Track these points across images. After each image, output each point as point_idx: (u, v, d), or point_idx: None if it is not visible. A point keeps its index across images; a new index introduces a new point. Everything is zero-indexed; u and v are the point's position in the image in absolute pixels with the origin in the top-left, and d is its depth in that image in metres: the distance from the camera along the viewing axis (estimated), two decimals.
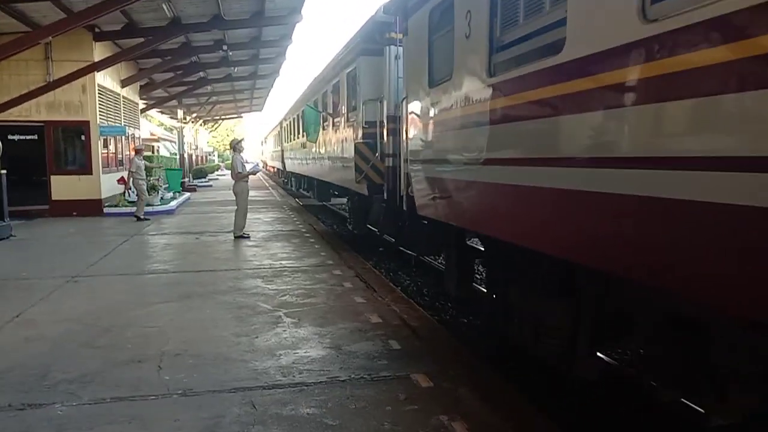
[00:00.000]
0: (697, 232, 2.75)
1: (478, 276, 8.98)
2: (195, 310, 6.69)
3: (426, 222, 7.40)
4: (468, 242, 7.32)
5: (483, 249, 6.67)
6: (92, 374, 4.68)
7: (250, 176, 13.44)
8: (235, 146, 13.13)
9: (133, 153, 22.60)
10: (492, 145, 4.92)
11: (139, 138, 24.33)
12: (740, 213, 2.47)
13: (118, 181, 18.70)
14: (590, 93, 3.49)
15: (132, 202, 18.54)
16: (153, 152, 37.88)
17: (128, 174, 17.15)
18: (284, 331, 5.80)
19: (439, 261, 10.72)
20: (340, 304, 6.85)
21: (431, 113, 6.46)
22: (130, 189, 16.41)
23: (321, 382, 4.49)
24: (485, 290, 6.72)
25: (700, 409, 4.10)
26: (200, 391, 4.34)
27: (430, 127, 6.52)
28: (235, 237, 12.35)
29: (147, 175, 17.20)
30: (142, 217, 16.04)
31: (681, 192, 2.77)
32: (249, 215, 16.73)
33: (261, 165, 38.46)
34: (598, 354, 5.28)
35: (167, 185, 22.54)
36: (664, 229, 2.95)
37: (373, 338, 5.54)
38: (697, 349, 3.35)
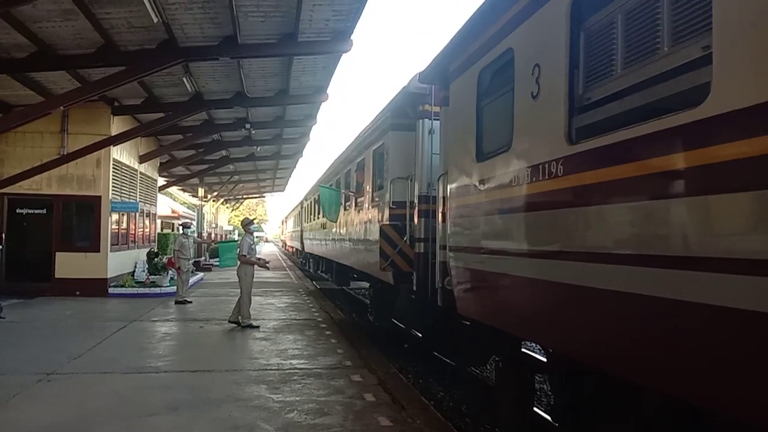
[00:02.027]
0: None
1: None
2: (179, 430, 5.36)
3: (469, 323, 6.11)
4: (524, 350, 5.93)
5: (548, 361, 5.21)
6: None
7: (265, 264, 12.26)
8: (246, 226, 12.13)
9: (149, 231, 21.91)
10: (568, 233, 3.70)
11: (155, 215, 23.56)
12: None
13: (167, 263, 17.76)
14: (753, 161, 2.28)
15: (140, 283, 17.55)
16: (172, 230, 37.34)
17: (173, 254, 16.22)
18: None
19: (480, 369, 9.26)
20: (359, 428, 5.46)
21: (480, 192, 5.30)
22: (178, 268, 15.39)
23: None
24: (554, 421, 5.17)
25: None
26: None
27: (479, 208, 5.35)
28: (242, 326, 11.07)
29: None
30: (185, 299, 14.95)
31: None
32: (262, 300, 15.70)
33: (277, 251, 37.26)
34: None
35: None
36: None
37: None
38: None
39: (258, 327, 11.08)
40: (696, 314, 2.57)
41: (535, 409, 6.59)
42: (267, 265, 12.51)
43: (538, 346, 6.50)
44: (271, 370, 7.76)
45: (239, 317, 11.29)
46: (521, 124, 4.43)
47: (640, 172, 3.00)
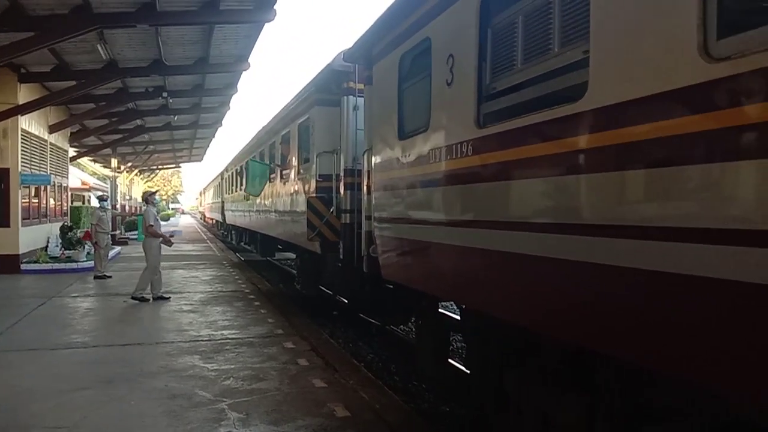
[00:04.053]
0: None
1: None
2: (116, 402, 5.43)
3: (392, 286, 6.50)
4: (441, 310, 6.45)
5: (462, 319, 5.79)
6: None
7: (169, 240, 12.02)
8: (148, 198, 12.05)
9: (61, 204, 21.01)
10: (477, 205, 4.16)
11: (66, 187, 22.58)
12: None
13: (83, 237, 17.07)
14: (615, 148, 2.77)
15: (54, 258, 16.92)
16: (83, 202, 35.79)
17: (91, 228, 15.61)
18: None
19: (403, 329, 9.73)
20: (296, 390, 5.73)
21: (401, 167, 5.70)
22: (96, 242, 14.83)
23: None
24: (467, 370, 5.76)
25: None
26: None
27: (401, 182, 5.73)
28: (132, 298, 11.01)
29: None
30: (104, 274, 14.50)
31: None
32: (185, 273, 15.55)
33: (181, 231, 36.47)
34: None
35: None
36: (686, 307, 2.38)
37: None
38: None
39: (149, 300, 11.01)
40: (572, 269, 3.07)
41: (451, 360, 7.12)
42: (171, 239, 12.28)
43: (453, 307, 7.00)
44: (202, 341, 7.85)
45: (150, 291, 11.20)
46: (437, 107, 4.81)
47: (533, 153, 3.47)
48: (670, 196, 2.49)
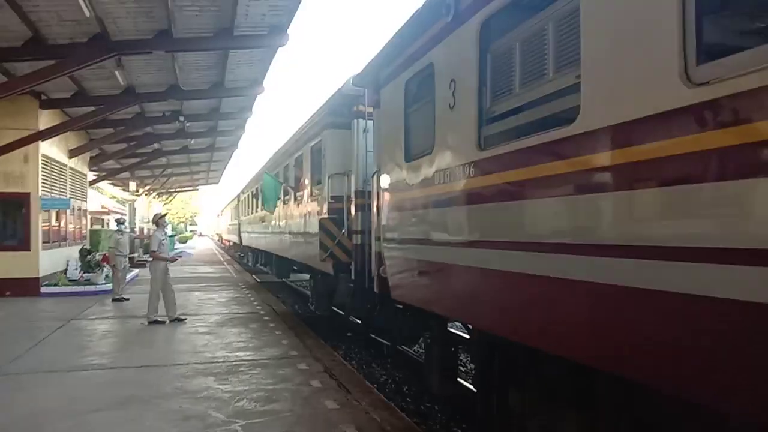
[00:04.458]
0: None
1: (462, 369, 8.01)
2: (131, 423, 5.50)
3: (401, 306, 6.56)
4: (450, 330, 6.50)
5: (470, 338, 5.84)
6: None
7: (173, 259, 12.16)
8: (158, 221, 12.13)
9: (81, 228, 21.33)
10: (480, 225, 4.25)
11: (86, 211, 22.93)
12: None
13: (101, 260, 17.34)
14: (610, 170, 2.85)
15: (74, 281, 17.15)
16: (102, 226, 36.24)
17: (109, 251, 15.84)
18: None
19: (416, 349, 9.71)
20: (309, 412, 5.76)
21: (408, 189, 5.82)
22: (114, 266, 15.06)
23: None
24: (474, 388, 5.83)
25: None
26: None
27: (408, 204, 5.86)
28: (149, 323, 11.08)
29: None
30: (122, 296, 14.65)
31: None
32: (201, 295, 15.68)
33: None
34: None
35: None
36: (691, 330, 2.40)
37: None
38: None
39: (164, 322, 11.10)
40: (567, 288, 3.14)
41: (459, 379, 7.14)
42: (175, 258, 12.36)
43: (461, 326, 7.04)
44: (217, 362, 7.92)
45: (166, 314, 11.29)
46: (441, 130, 4.91)
47: (531, 175, 3.54)
48: (662, 215, 2.55)
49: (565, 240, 3.18)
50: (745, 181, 2.13)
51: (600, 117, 2.88)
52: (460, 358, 7.11)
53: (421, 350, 9.70)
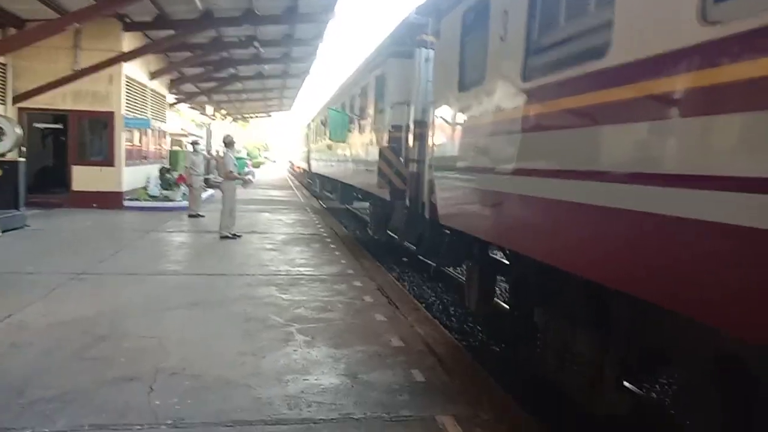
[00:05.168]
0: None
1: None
2: (200, 321, 6.16)
3: (449, 231, 6.92)
4: (491, 254, 6.82)
5: (507, 263, 6.22)
6: (75, 393, 4.14)
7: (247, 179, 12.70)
8: (228, 143, 12.65)
9: (161, 147, 22.46)
10: (522, 154, 4.44)
11: (165, 132, 24.05)
12: None
13: (178, 179, 18.46)
14: (633, 102, 3.01)
15: (153, 197, 18.28)
16: (182, 147, 37.79)
17: (185, 170, 16.81)
18: (295, 351, 5.22)
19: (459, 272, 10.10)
20: (358, 322, 6.25)
21: (459, 119, 6.09)
22: (191, 185, 16.04)
23: (332, 419, 3.89)
24: (508, 307, 6.27)
25: None
26: (193, 422, 3.77)
27: (457, 133, 6.13)
28: (221, 237, 11.76)
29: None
30: (198, 213, 15.59)
31: (731, 216, 2.37)
32: (270, 216, 16.45)
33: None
34: (626, 384, 4.67)
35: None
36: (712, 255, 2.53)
37: (393, 366, 4.92)
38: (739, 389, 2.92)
39: (237, 237, 11.75)
40: (589, 213, 3.37)
41: (496, 299, 7.57)
42: (248, 179, 12.84)
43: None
44: (280, 275, 8.52)
45: (227, 230, 11.93)
46: (493, 62, 5.04)
47: (565, 106, 3.72)
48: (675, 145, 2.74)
49: (585, 168, 3.40)
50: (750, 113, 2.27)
51: (632, 52, 3.01)
52: (498, 283, 7.41)
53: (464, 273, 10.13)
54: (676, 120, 2.71)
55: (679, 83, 2.67)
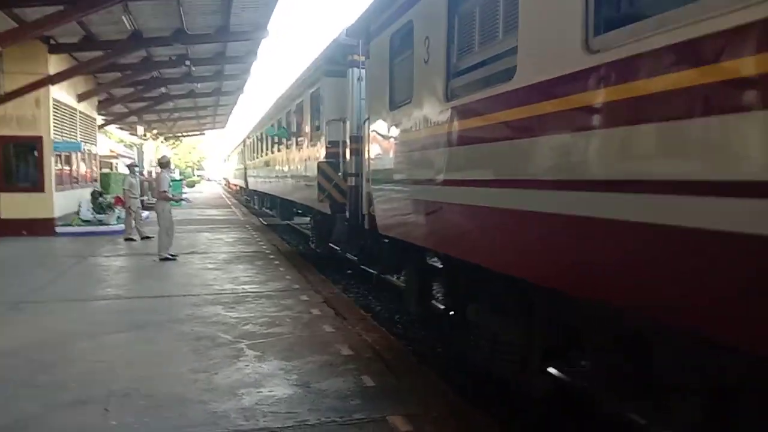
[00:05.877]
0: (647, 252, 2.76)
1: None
2: (148, 342, 6.17)
3: (387, 240, 7.29)
4: (427, 260, 7.22)
5: (441, 267, 6.65)
6: (28, 419, 4.16)
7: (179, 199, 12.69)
8: (164, 163, 12.64)
9: (91, 171, 21.89)
10: (449, 167, 4.93)
11: (96, 154, 23.46)
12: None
13: (115, 202, 18.01)
14: (536, 119, 3.54)
15: (86, 221, 17.83)
16: (111, 169, 36.81)
17: (123, 193, 16.41)
18: (247, 366, 5.34)
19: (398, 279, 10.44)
20: (307, 334, 6.41)
21: (392, 135, 6.49)
22: (129, 208, 15.63)
23: (288, 426, 4.06)
24: (443, 307, 6.83)
25: (642, 420, 3.89)
26: None
27: (391, 148, 6.54)
28: (160, 259, 11.68)
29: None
30: (133, 237, 15.24)
31: (633, 214, 2.76)
32: (210, 235, 16.32)
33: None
34: (550, 369, 5.08)
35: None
36: (616, 249, 2.95)
37: (344, 374, 5.12)
38: (641, 363, 3.36)
39: (175, 258, 11.72)
40: (509, 217, 3.84)
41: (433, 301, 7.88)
42: (181, 198, 12.88)
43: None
44: (225, 294, 8.57)
45: (166, 251, 11.84)
46: (418, 82, 5.49)
47: (479, 123, 4.27)
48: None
49: (502, 177, 3.93)
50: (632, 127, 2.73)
51: (531, 75, 3.51)
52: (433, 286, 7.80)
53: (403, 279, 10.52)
54: (571, 134, 3.18)
55: (571, 102, 3.13)
